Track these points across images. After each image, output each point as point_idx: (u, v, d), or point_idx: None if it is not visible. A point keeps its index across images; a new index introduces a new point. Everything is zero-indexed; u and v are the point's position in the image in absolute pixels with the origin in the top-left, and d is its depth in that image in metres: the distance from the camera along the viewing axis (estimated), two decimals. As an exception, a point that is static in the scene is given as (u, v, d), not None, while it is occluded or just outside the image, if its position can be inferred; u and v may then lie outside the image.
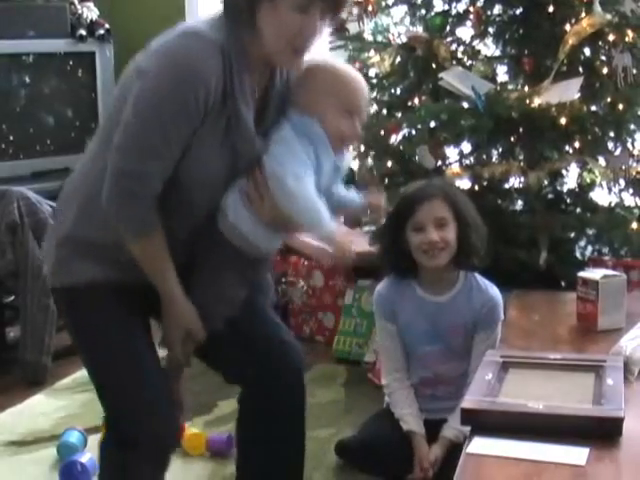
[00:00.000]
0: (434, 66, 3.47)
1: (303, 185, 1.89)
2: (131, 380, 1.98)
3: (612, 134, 3.68)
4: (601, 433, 1.57)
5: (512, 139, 3.41)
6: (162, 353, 2.07)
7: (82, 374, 3.94)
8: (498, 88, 3.39)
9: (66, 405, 3.54)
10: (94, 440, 3.14)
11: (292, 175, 1.89)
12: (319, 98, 1.94)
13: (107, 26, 4.74)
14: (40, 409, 3.50)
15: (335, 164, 1.98)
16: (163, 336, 2.04)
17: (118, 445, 2.00)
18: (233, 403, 3.64)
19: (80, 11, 4.76)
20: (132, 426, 1.97)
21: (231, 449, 3.20)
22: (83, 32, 4.69)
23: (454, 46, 3.59)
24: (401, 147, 3.53)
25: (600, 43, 3.57)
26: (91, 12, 4.79)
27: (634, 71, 3.56)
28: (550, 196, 3.60)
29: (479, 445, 1.57)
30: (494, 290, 2.45)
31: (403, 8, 3.73)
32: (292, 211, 1.90)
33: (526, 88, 3.40)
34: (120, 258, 1.93)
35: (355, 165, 3.64)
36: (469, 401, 1.67)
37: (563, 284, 2.81)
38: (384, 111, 3.54)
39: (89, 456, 2.92)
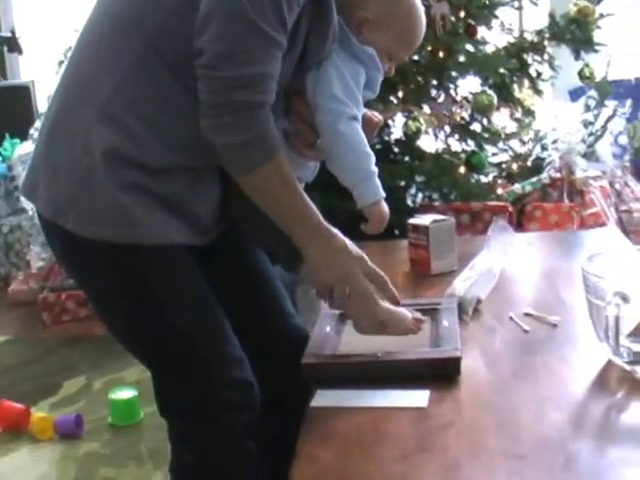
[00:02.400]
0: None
1: (357, 130, 1.71)
2: (218, 338, 1.69)
3: (434, 82, 3.75)
4: (441, 374, 1.60)
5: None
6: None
7: None
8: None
9: None
10: None
11: (347, 115, 1.69)
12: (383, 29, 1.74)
13: None
14: None
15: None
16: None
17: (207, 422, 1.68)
18: (78, 383, 3.63)
19: None
20: (226, 386, 1.66)
21: (81, 429, 3.15)
22: None
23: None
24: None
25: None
26: None
27: (452, 19, 3.63)
28: (378, 146, 3.65)
29: (323, 398, 1.57)
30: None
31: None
32: (340, 160, 1.71)
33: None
34: (199, 211, 1.67)
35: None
36: (309, 355, 1.67)
37: (396, 232, 2.85)
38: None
39: None
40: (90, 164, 1.57)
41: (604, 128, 4.35)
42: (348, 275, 1.66)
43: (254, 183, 1.60)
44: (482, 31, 3.94)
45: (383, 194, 1.74)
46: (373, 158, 1.73)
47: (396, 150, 3.77)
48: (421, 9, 1.78)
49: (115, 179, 1.57)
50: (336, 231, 1.68)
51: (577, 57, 4.06)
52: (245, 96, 1.51)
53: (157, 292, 1.65)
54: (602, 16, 4.10)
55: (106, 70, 1.60)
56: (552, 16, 4.11)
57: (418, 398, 1.53)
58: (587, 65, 4.12)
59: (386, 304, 1.71)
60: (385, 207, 1.74)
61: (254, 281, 1.90)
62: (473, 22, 3.83)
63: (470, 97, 3.86)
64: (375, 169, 1.73)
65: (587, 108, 4.35)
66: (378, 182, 1.73)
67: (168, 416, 1.73)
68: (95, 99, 1.59)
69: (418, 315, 1.76)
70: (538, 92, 4.13)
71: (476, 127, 3.99)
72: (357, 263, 1.67)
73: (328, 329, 1.79)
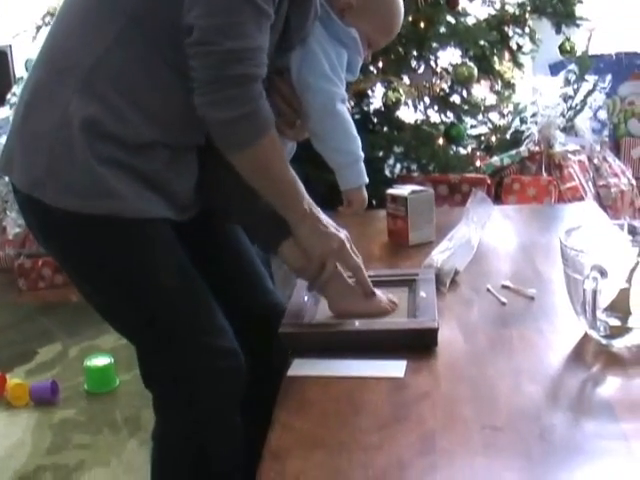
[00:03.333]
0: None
1: (347, 113, 1.74)
2: (203, 307, 1.69)
3: (415, 53, 3.72)
4: (417, 345, 1.60)
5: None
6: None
7: None
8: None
9: None
10: None
11: (340, 96, 1.72)
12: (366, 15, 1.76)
13: None
14: None
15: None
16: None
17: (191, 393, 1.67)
18: (53, 349, 3.62)
19: None
20: (209, 351, 1.66)
21: (56, 396, 3.14)
22: None
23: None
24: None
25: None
26: None
27: (435, -11, 3.61)
28: (357, 117, 3.63)
29: (300, 367, 1.57)
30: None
31: None
32: (330, 141, 1.73)
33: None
34: (176, 188, 1.67)
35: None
36: (286, 325, 1.67)
37: (374, 202, 2.84)
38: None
39: None
40: (69, 135, 1.55)
41: (584, 102, 4.34)
42: (341, 249, 1.69)
43: (253, 156, 1.59)
44: (463, 2, 3.92)
45: (366, 179, 1.76)
46: (360, 142, 1.75)
47: (375, 120, 3.75)
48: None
49: (93, 152, 1.55)
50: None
51: (558, 31, 4.05)
52: (240, 70, 1.49)
53: (140, 264, 1.64)
54: (584, -10, 4.09)
55: (89, 42, 1.58)
56: (534, -11, 4.09)
57: (395, 368, 1.53)
58: (568, 39, 4.11)
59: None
60: (365, 192, 1.77)
61: (235, 258, 1.90)
62: (455, -7, 3.81)
63: (450, 69, 3.84)
64: (362, 154, 1.75)
65: (567, 82, 4.34)
66: (363, 167, 1.75)
67: (154, 387, 1.72)
68: (76, 70, 1.56)
69: (391, 296, 1.77)
70: (518, 65, 4.11)
71: (456, 99, 3.98)
72: (346, 239, 1.70)
73: (306, 298, 1.78)
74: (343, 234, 1.71)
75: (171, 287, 1.65)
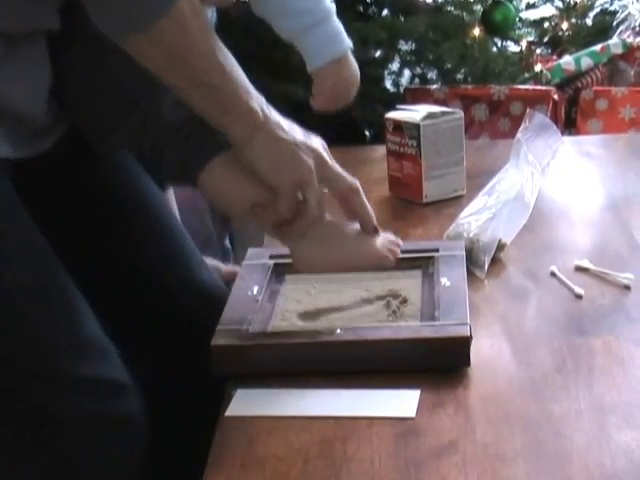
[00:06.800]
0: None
1: None
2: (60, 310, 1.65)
3: None
4: (437, 365, 1.60)
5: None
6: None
7: None
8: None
9: None
10: None
11: None
12: None
13: None
14: None
15: None
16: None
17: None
18: None
19: None
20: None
21: None
22: None
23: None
24: None
25: None
26: None
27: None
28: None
29: (245, 403, 1.58)
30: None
31: None
32: None
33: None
34: (14, 102, 1.66)
35: None
36: (222, 333, 1.66)
37: (367, 133, 2.85)
38: None
39: None
40: None
41: None
42: (322, 166, 1.67)
43: (164, 34, 1.52)
44: None
45: (349, 43, 1.79)
46: None
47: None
48: None
49: None
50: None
51: None
52: None
53: None
54: None
55: None
56: None
57: (401, 404, 1.54)
58: None
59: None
60: (353, 64, 1.82)
61: (133, 216, 1.91)
62: None
63: None
64: (332, 6, 1.77)
65: None
66: (339, 25, 1.77)
67: None
68: None
69: (391, 236, 1.79)
70: None
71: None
72: (322, 148, 1.69)
73: (255, 290, 1.78)
74: (318, 142, 1.68)
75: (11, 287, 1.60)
